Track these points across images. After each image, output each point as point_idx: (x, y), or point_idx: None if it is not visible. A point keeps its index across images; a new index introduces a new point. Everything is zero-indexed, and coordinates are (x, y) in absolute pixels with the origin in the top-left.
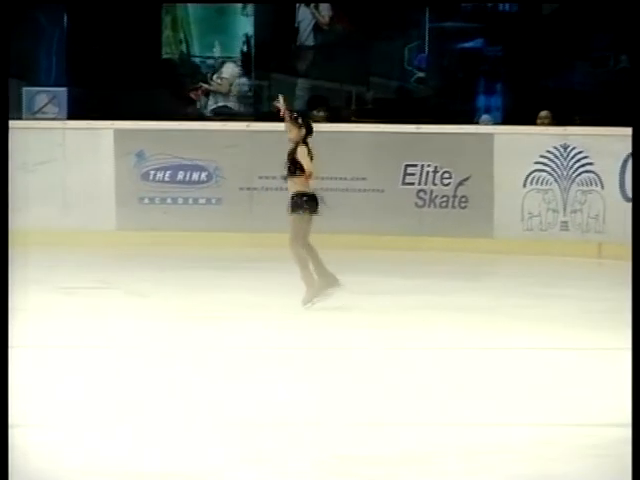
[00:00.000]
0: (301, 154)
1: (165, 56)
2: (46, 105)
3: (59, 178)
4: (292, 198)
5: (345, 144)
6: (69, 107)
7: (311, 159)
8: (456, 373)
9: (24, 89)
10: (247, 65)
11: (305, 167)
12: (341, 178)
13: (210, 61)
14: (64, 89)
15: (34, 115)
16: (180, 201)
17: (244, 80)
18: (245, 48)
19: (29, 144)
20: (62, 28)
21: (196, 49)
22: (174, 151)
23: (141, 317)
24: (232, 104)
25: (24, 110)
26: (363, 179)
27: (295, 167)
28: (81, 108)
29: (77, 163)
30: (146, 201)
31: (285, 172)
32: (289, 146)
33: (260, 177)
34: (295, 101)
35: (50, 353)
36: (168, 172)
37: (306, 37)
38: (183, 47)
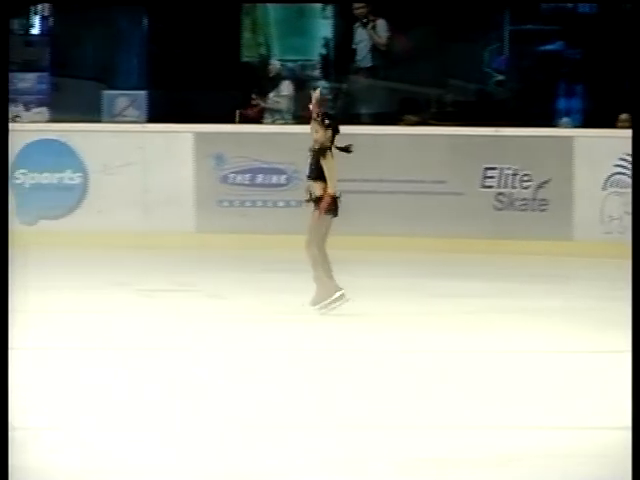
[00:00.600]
0: (328, 164)
1: (245, 59)
2: (126, 108)
3: (139, 181)
4: (318, 200)
5: (425, 147)
6: (149, 110)
7: None
8: (534, 376)
9: (104, 92)
10: (326, 68)
11: (328, 184)
12: (421, 181)
13: (290, 64)
14: (144, 92)
15: (114, 118)
16: (259, 204)
17: (323, 83)
18: (324, 51)
19: (110, 147)
20: (142, 31)
21: (276, 52)
22: (253, 154)
23: (220, 319)
24: (290, 122)
25: (104, 113)
26: (442, 182)
27: (321, 172)
28: (161, 111)
29: (157, 166)
30: (225, 204)
31: (308, 174)
32: (312, 145)
33: (338, 180)
34: (374, 104)
35: (131, 355)
36: (247, 175)
37: (362, 58)
38: (263, 50)
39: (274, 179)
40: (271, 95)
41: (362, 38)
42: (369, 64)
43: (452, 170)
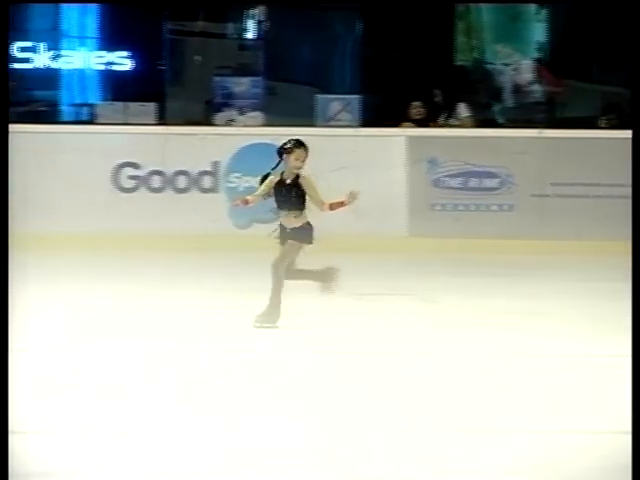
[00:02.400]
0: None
1: (458, 63)
2: (340, 112)
3: (352, 185)
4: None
5: (628, 150)
6: (362, 114)
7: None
8: None
9: (318, 96)
10: (539, 72)
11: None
12: (623, 185)
13: (501, 68)
14: (357, 96)
15: (328, 122)
16: (472, 208)
17: (536, 87)
18: (538, 55)
19: (323, 151)
20: (356, 35)
21: (489, 56)
22: (466, 158)
23: (432, 324)
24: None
25: (318, 117)
26: None
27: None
28: (374, 115)
29: (370, 170)
30: (438, 208)
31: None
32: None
33: (552, 184)
34: (585, 107)
35: (339, 358)
36: (459, 179)
37: (505, 97)
38: (476, 54)
39: (487, 183)
40: (450, 119)
41: (506, 78)
42: (511, 105)
43: None
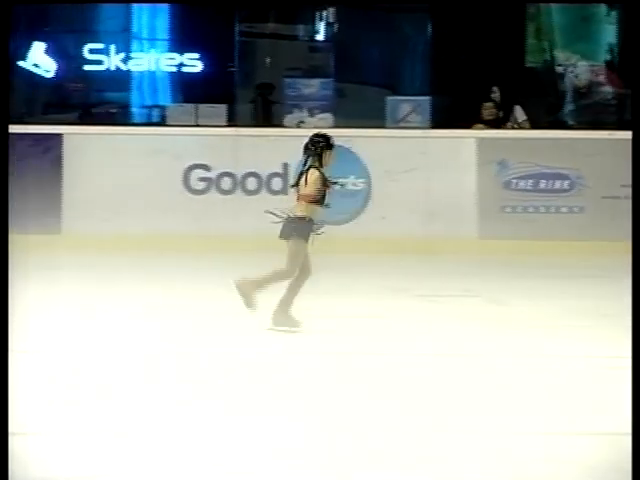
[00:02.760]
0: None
1: (528, 65)
2: (410, 114)
3: (422, 186)
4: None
5: None
6: (432, 115)
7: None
8: None
9: (388, 98)
10: (610, 73)
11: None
12: None
13: (568, 69)
14: (427, 98)
15: (397, 124)
16: (542, 210)
17: (607, 88)
18: (609, 57)
19: (393, 153)
20: (426, 36)
21: (559, 58)
22: (536, 159)
23: (501, 326)
24: None
25: (388, 119)
26: None
27: None
28: (444, 116)
29: (439, 172)
30: (508, 210)
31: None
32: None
33: (623, 185)
34: None
35: (414, 360)
36: (530, 181)
37: (566, 101)
38: (546, 56)
39: (557, 184)
40: (508, 123)
41: (575, 80)
42: (581, 106)
43: None
